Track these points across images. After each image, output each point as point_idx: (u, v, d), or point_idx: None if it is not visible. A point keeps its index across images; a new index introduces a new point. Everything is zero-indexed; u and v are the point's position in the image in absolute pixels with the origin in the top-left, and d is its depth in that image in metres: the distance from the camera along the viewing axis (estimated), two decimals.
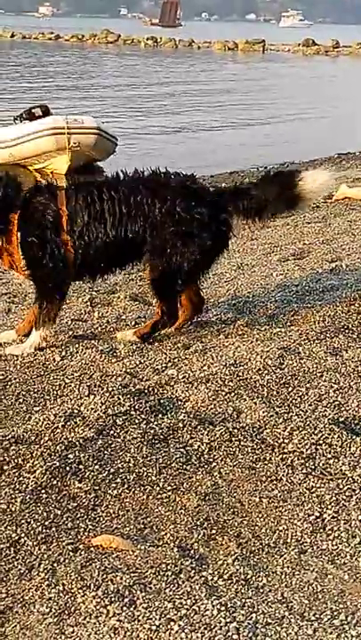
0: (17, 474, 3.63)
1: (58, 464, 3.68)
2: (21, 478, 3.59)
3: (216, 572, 3.00)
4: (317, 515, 3.40)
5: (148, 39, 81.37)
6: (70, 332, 5.45)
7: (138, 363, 4.88)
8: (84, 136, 14.91)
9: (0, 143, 15.52)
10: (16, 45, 71.43)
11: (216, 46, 79.64)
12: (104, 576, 2.94)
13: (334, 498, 3.51)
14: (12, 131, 15.58)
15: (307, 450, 3.83)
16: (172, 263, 5.11)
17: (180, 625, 2.67)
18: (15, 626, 2.73)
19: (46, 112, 15.82)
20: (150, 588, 2.88)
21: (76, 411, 4.17)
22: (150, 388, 4.47)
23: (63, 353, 5.06)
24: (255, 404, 4.25)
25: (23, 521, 3.31)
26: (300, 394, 4.40)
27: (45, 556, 3.09)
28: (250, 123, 23.72)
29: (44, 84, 34.92)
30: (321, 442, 3.88)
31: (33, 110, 15.95)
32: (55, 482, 3.58)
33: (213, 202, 5.18)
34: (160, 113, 25.04)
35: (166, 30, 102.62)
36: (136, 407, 4.23)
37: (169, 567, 3.01)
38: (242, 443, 3.91)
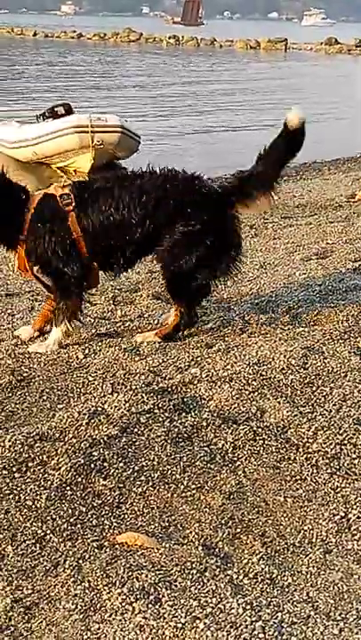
0: (42, 470, 3.64)
1: (82, 461, 3.70)
2: (46, 475, 3.61)
3: (241, 571, 3.00)
4: (342, 515, 3.40)
5: (169, 38, 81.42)
6: (93, 330, 5.46)
7: (161, 361, 4.89)
8: (108, 134, 14.95)
9: (23, 141, 15.61)
10: (39, 44, 71.64)
11: (238, 45, 79.55)
12: (129, 573, 2.95)
13: (360, 498, 3.50)
14: (36, 129, 15.66)
15: (331, 450, 3.83)
16: (182, 262, 5.11)
17: (205, 623, 2.67)
18: (41, 622, 2.74)
19: (69, 110, 15.88)
20: (175, 585, 2.89)
21: (99, 408, 4.18)
22: (174, 387, 4.48)
23: (86, 351, 5.07)
24: (279, 403, 4.25)
25: (48, 517, 3.32)
26: (325, 393, 4.39)
27: (71, 552, 3.11)
28: (275, 123, 23.63)
29: (66, 82, 34.98)
30: (346, 442, 3.88)
31: (56, 109, 16.02)
32: (80, 479, 3.59)
33: (220, 199, 5.17)
34: (184, 113, 24.96)
35: (188, 29, 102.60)
36: (160, 405, 4.23)
37: (194, 565, 3.01)
38: (266, 442, 3.91)
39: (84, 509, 3.39)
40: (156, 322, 5.60)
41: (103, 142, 14.77)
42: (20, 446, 3.79)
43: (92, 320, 5.67)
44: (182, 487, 3.57)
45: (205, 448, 3.87)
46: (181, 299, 5.29)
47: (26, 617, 2.77)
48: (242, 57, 64.66)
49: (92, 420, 4.04)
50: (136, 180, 5.11)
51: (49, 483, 3.56)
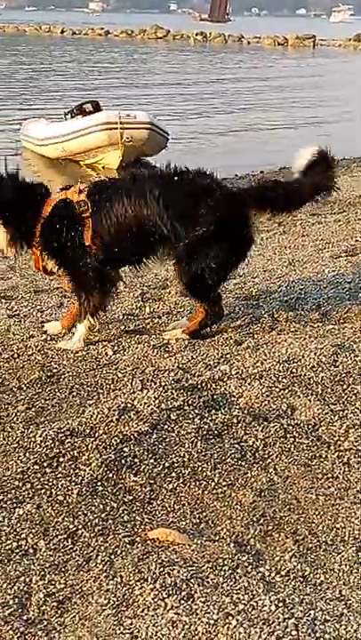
0: (73, 466, 3.66)
1: (113, 457, 3.71)
2: (77, 470, 3.63)
3: (273, 568, 3.00)
4: None
5: (197, 34, 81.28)
6: (122, 327, 5.47)
7: (190, 358, 4.89)
8: (137, 131, 14.96)
9: (52, 138, 15.66)
10: (66, 41, 71.84)
11: (266, 42, 79.32)
12: (161, 569, 2.95)
13: None
14: (65, 126, 15.70)
15: None
16: (199, 264, 5.10)
17: (238, 620, 2.67)
18: (74, 616, 2.76)
19: (97, 107, 15.91)
20: (208, 582, 2.89)
21: (129, 405, 4.19)
22: (203, 384, 4.48)
23: (115, 347, 5.09)
24: (310, 401, 4.24)
25: (80, 513, 3.34)
26: (356, 391, 4.38)
27: (103, 547, 3.12)
28: (309, 121, 23.49)
29: (93, 80, 35.04)
30: None
31: (84, 106, 16.06)
32: (111, 475, 3.60)
33: (234, 198, 5.15)
34: (213, 112, 24.85)
35: (216, 25, 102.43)
36: (190, 402, 4.24)
37: (226, 562, 3.01)
38: (297, 440, 3.91)
39: (115, 505, 3.40)
40: (184, 319, 5.59)
41: (132, 139, 14.77)
42: (50, 442, 3.81)
43: (121, 317, 5.68)
44: (213, 484, 3.58)
45: (236, 445, 3.86)
46: (200, 297, 5.30)
47: (59, 611, 2.79)
48: (270, 54, 64.42)
49: (123, 417, 4.05)
50: (151, 182, 5.10)
51: (80, 478, 3.57)
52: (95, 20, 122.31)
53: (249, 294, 6.18)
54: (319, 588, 2.91)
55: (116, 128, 14.82)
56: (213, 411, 4.17)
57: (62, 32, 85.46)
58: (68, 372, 4.75)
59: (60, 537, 3.18)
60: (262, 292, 6.23)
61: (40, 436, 3.85)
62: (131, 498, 3.46)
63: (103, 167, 15.18)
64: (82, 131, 15.14)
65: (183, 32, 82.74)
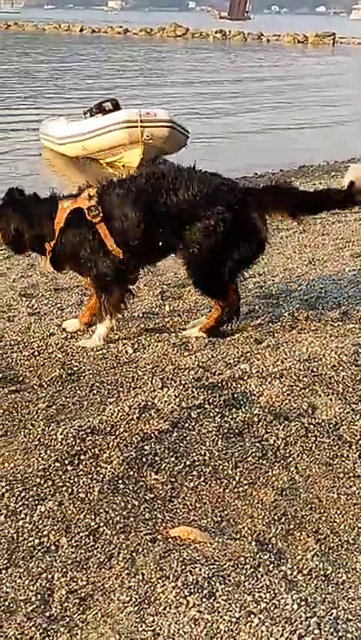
0: (94, 463, 3.67)
1: (134, 455, 3.72)
2: (98, 468, 3.64)
3: (295, 567, 3.00)
4: None
5: (216, 32, 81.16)
6: (142, 325, 5.48)
7: (210, 356, 4.89)
8: (157, 129, 14.96)
9: (72, 137, 15.69)
10: (85, 40, 71.95)
11: (285, 39, 79.10)
12: (183, 567, 2.96)
13: None
14: (85, 124, 15.73)
15: None
16: (208, 262, 5.11)
17: (260, 618, 2.67)
18: (96, 613, 2.77)
19: (116, 106, 15.94)
20: (229, 580, 2.89)
21: (150, 403, 4.20)
22: (224, 382, 4.48)
23: (135, 345, 5.10)
24: (331, 400, 4.23)
25: (101, 510, 3.35)
26: None
27: (124, 545, 3.12)
28: (330, 120, 23.37)
29: (112, 79, 35.06)
30: None
31: (103, 104, 16.08)
32: (132, 472, 3.61)
33: (243, 198, 5.14)
34: (232, 112, 24.76)
35: (235, 23, 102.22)
36: (210, 401, 4.24)
37: (247, 560, 3.02)
38: (318, 439, 3.90)
39: (136, 503, 3.41)
40: (204, 316, 5.59)
41: (152, 137, 14.78)
42: (71, 439, 3.83)
43: (141, 315, 5.69)
44: (234, 482, 3.58)
45: (257, 444, 3.87)
46: (216, 295, 5.30)
47: (81, 608, 2.80)
48: (289, 52, 64.23)
49: (143, 415, 4.06)
50: (159, 182, 5.10)
51: (101, 476, 3.58)
52: (114, 18, 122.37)
53: (269, 293, 6.18)
54: (341, 587, 2.90)
55: (137, 126, 14.83)
56: (234, 409, 4.17)
57: (81, 30, 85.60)
58: (89, 370, 4.76)
59: (81, 534, 3.19)
60: (282, 290, 6.22)
61: (61, 434, 3.87)
62: (152, 496, 3.47)
63: (123, 165, 15.19)
64: (102, 129, 15.16)
65: (202, 30, 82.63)
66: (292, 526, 3.28)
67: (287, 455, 3.79)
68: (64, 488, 3.50)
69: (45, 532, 3.20)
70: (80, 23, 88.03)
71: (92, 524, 3.26)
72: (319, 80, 38.00)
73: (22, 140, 18.24)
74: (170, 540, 3.16)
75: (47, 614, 2.77)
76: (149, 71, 39.71)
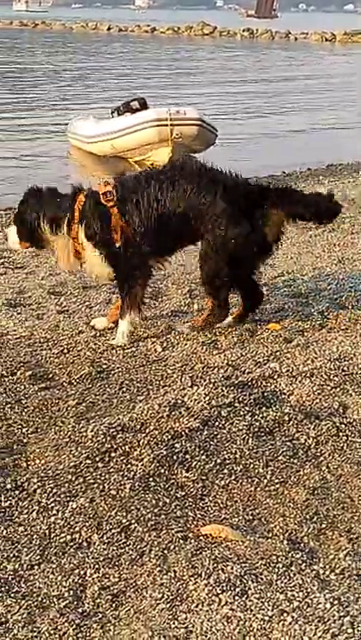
0: (125, 461, 3.68)
1: (165, 453, 3.73)
2: (129, 465, 3.65)
3: (328, 566, 2.99)
4: None
5: (243, 31, 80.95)
6: (171, 324, 5.48)
7: (239, 355, 4.89)
8: (187, 127, 14.95)
9: (101, 136, 15.71)
10: (113, 38, 72.03)
11: (313, 37, 78.74)
12: (215, 565, 2.96)
13: None
14: (114, 123, 15.74)
15: None
16: (213, 256, 5.11)
17: (293, 617, 2.67)
18: (129, 610, 2.78)
19: (144, 105, 15.92)
20: (262, 578, 2.89)
21: (179, 401, 4.20)
22: (253, 381, 4.48)
23: (164, 344, 5.10)
24: None
25: (133, 507, 3.36)
26: None
27: (156, 542, 3.13)
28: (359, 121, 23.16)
29: (140, 78, 35.05)
30: None
31: (131, 103, 16.08)
32: (163, 470, 3.62)
33: (250, 195, 5.13)
34: (267, 112, 24.58)
35: (262, 21, 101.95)
36: (240, 399, 4.24)
37: (279, 559, 3.01)
38: (350, 438, 3.89)
39: (167, 500, 3.42)
40: (233, 315, 5.58)
41: (182, 135, 14.78)
42: (102, 437, 3.84)
43: (170, 313, 5.70)
44: (265, 481, 3.58)
45: (288, 443, 3.86)
46: (212, 293, 5.31)
47: (113, 604, 2.81)
48: (317, 50, 63.88)
49: (173, 413, 4.07)
50: (174, 175, 5.11)
51: (132, 473, 3.60)
52: (141, 16, 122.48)
53: (298, 292, 6.16)
54: None
55: (166, 125, 14.83)
56: (264, 408, 4.17)
57: (109, 29, 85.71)
58: (118, 368, 4.77)
59: (113, 531, 3.20)
60: (312, 289, 6.20)
61: (91, 431, 3.89)
62: (183, 494, 3.48)
63: (152, 164, 15.20)
64: (132, 127, 15.16)
65: (230, 29, 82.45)
66: (324, 525, 3.27)
67: (318, 454, 3.79)
68: (95, 485, 3.51)
69: (77, 529, 3.22)
70: (107, 22, 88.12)
71: (124, 521, 3.27)
72: (350, 79, 37.68)
73: (52, 139, 18.30)
74: (201, 537, 3.17)
75: (80, 610, 2.78)
76: (177, 70, 39.61)
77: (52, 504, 3.37)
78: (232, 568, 2.94)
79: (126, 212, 5.06)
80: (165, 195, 5.04)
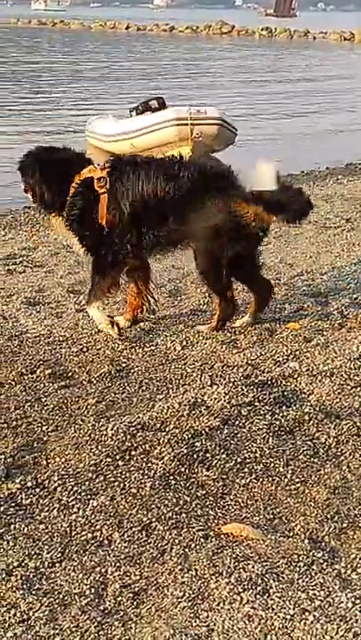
0: (145, 459, 3.69)
1: (185, 451, 3.73)
2: (150, 464, 3.65)
3: (349, 566, 2.99)
4: None
5: (262, 30, 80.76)
6: (190, 322, 5.48)
7: (259, 354, 4.88)
8: (207, 127, 14.95)
9: (121, 135, 15.72)
10: (131, 37, 72.07)
11: (332, 37, 78.45)
12: (236, 564, 2.96)
13: None
14: (134, 122, 15.73)
15: None
16: (202, 249, 5.12)
17: (314, 616, 2.67)
18: (150, 608, 2.78)
19: (162, 104, 15.92)
20: (283, 577, 2.89)
21: (199, 400, 4.20)
22: (273, 380, 4.47)
23: (184, 343, 5.10)
24: None
25: (153, 506, 3.36)
26: None
27: (177, 541, 3.14)
28: None
29: (159, 77, 35.02)
30: None
31: (149, 102, 16.08)
32: (183, 469, 3.62)
33: (230, 188, 5.07)
34: (291, 113, 24.44)
35: (281, 20, 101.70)
36: (260, 398, 4.24)
37: (301, 558, 3.01)
38: None
39: (188, 499, 3.42)
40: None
41: (202, 135, 14.77)
42: (122, 435, 3.85)
43: (189, 312, 5.70)
44: (286, 480, 3.57)
45: (308, 442, 3.85)
46: (211, 288, 5.34)
47: (135, 602, 2.81)
48: (336, 49, 63.56)
49: (193, 411, 4.07)
50: (165, 167, 5.10)
51: (152, 472, 3.60)
52: (159, 15, 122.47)
53: (318, 291, 6.15)
54: None
55: (186, 124, 14.82)
56: (284, 407, 4.16)
57: (127, 28, 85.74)
58: (137, 367, 4.78)
59: (134, 529, 3.21)
60: (331, 289, 6.19)
61: (111, 430, 3.89)
62: (203, 492, 3.48)
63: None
64: (152, 127, 15.16)
65: (248, 27, 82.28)
66: (345, 525, 3.26)
67: (339, 454, 3.78)
68: (116, 483, 3.52)
69: (98, 527, 3.23)
70: (126, 21, 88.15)
71: (145, 519, 3.27)
72: None
73: (70, 138, 18.32)
74: (222, 536, 3.17)
75: (101, 608, 2.79)
76: (196, 70, 39.49)
77: (73, 502, 3.38)
78: (253, 567, 2.94)
79: (114, 203, 5.07)
80: (153, 189, 5.03)
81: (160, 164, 5.13)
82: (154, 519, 3.27)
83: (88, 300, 5.33)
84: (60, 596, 2.85)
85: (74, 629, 2.70)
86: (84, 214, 5.16)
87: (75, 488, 3.47)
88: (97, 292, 5.27)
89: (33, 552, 3.07)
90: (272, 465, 3.68)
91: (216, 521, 3.28)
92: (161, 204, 5.04)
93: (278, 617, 2.68)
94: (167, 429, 3.92)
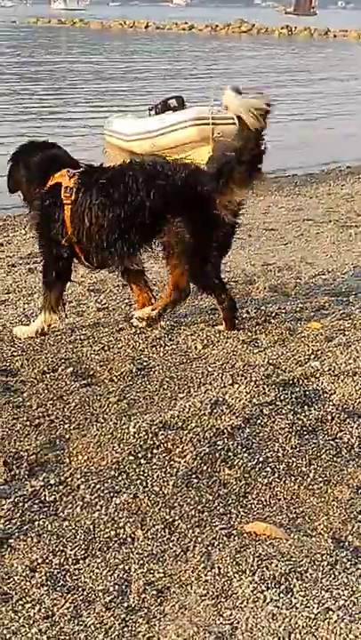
0: (167, 458, 3.70)
1: (207, 450, 3.73)
2: (172, 462, 3.66)
3: None
4: None
5: (282, 28, 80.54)
6: (211, 321, 5.49)
7: (280, 354, 4.88)
8: (229, 126, 14.94)
9: (142, 134, 15.73)
10: (150, 36, 72.05)
11: (353, 35, 78.16)
12: (259, 562, 2.97)
13: None
14: (155, 121, 15.74)
15: None
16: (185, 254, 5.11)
17: (338, 615, 2.67)
18: (174, 605, 2.79)
19: (181, 103, 15.93)
20: (306, 576, 2.89)
21: (221, 399, 4.21)
22: (295, 380, 4.47)
23: (205, 342, 5.11)
24: None
25: (176, 504, 3.37)
26: None
27: (200, 539, 3.15)
28: None
29: (179, 75, 35.01)
30: None
31: (168, 101, 16.08)
32: (205, 467, 3.63)
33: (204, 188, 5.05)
34: (316, 116, 24.33)
35: (301, 19, 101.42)
36: (282, 398, 4.24)
37: (324, 557, 3.01)
38: None
39: (210, 497, 3.43)
40: (273, 313, 5.57)
41: (223, 134, 14.77)
42: (144, 433, 3.86)
43: (209, 311, 5.70)
44: (309, 480, 3.57)
45: (331, 442, 3.85)
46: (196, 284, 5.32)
47: (158, 599, 2.83)
48: (357, 48, 63.25)
49: (215, 411, 4.07)
50: (128, 177, 5.07)
51: (175, 470, 3.61)
52: (179, 14, 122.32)
53: (338, 290, 6.14)
54: None
55: (208, 124, 14.81)
56: (306, 407, 4.16)
57: (146, 27, 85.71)
58: (158, 366, 4.79)
59: (157, 527, 3.22)
60: (352, 288, 6.18)
61: (133, 428, 3.90)
62: (226, 491, 3.48)
63: (191, 162, 15.19)
64: (173, 126, 15.16)
65: (268, 26, 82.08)
66: None
67: None
68: (138, 481, 3.53)
69: (121, 524, 3.24)
70: (145, 20, 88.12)
71: (167, 517, 3.29)
72: None
73: (89, 136, 18.38)
74: (245, 535, 3.17)
75: (125, 605, 2.80)
76: (216, 69, 39.39)
77: (96, 499, 3.40)
78: (277, 565, 2.94)
79: (76, 216, 5.08)
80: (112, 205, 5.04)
81: (130, 179, 5.08)
82: (177, 517, 3.29)
83: (40, 308, 5.34)
84: (84, 593, 2.86)
85: (98, 626, 2.71)
86: (46, 220, 5.18)
87: (97, 486, 3.48)
88: (45, 303, 5.30)
89: (57, 549, 3.09)
90: (295, 464, 3.68)
91: (239, 519, 3.29)
92: (125, 225, 5.06)
93: (302, 616, 2.68)
94: (189, 428, 3.92)
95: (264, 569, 2.93)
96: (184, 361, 4.87)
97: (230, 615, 2.72)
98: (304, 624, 2.65)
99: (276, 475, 3.60)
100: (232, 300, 5.35)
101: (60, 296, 5.30)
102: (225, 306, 5.30)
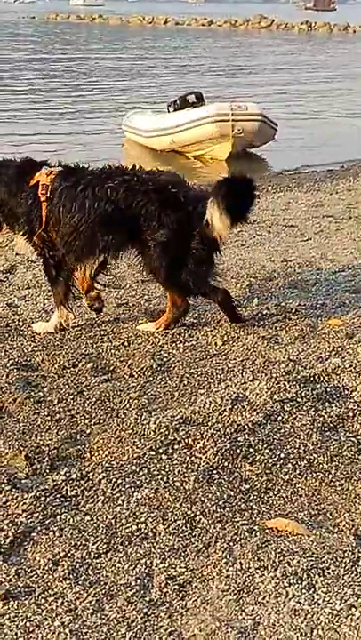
0: (188, 453, 3.70)
1: (228, 446, 3.74)
2: (193, 458, 3.67)
3: None
4: None
5: (301, 24, 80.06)
6: None
7: (300, 350, 4.88)
8: (248, 123, 14.91)
9: (161, 130, 15.70)
10: (170, 32, 71.91)
11: None
12: (281, 558, 2.97)
13: None
14: (174, 118, 15.70)
15: None
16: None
17: None
18: (196, 600, 2.80)
19: (200, 98, 15.88)
20: (328, 573, 2.90)
21: (241, 395, 4.21)
22: (316, 376, 4.46)
23: (225, 338, 5.11)
24: None
25: (197, 499, 3.38)
26: None
27: (221, 534, 3.15)
28: None
29: (198, 72, 34.92)
30: None
31: (187, 97, 16.04)
32: (226, 463, 3.64)
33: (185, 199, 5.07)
34: (332, 115, 24.16)
35: (321, 14, 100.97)
36: (302, 394, 4.23)
37: (346, 554, 3.01)
38: None
39: (231, 493, 3.43)
40: (293, 310, 5.56)
41: (243, 131, 14.72)
42: (165, 429, 3.87)
43: None
44: (330, 476, 3.57)
45: (352, 438, 3.85)
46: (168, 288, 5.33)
47: (180, 594, 2.83)
48: None
49: (235, 407, 4.08)
50: (107, 180, 5.09)
51: (196, 465, 3.62)
52: (197, 9, 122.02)
53: (359, 287, 6.12)
54: None
55: (228, 120, 14.76)
56: (327, 403, 4.16)
57: (165, 23, 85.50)
58: (178, 362, 4.79)
59: (178, 522, 3.23)
60: None
61: (154, 423, 3.91)
62: (247, 487, 3.49)
63: (211, 158, 15.17)
64: (193, 122, 15.10)
65: (288, 21, 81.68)
66: None
67: None
68: (159, 476, 3.54)
69: (142, 519, 3.25)
70: (164, 15, 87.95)
71: (189, 512, 3.29)
72: None
73: (108, 131, 18.36)
74: (267, 530, 3.18)
75: (147, 599, 2.81)
76: (236, 65, 39.21)
77: (117, 494, 3.41)
78: (298, 562, 2.95)
79: (52, 212, 5.10)
80: (89, 204, 5.04)
81: (108, 182, 5.09)
82: (198, 512, 3.29)
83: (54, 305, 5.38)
84: (107, 587, 2.88)
85: (120, 620, 2.72)
86: (29, 217, 5.20)
87: (119, 480, 3.50)
88: (56, 300, 5.35)
89: (79, 543, 3.11)
90: (316, 461, 3.68)
91: (260, 515, 3.30)
92: (98, 227, 5.07)
93: (325, 612, 2.69)
94: (210, 424, 3.93)
95: (286, 565, 2.93)
96: (204, 357, 4.87)
97: (252, 610, 2.72)
98: (326, 620, 2.65)
99: (298, 471, 3.60)
100: (224, 293, 5.33)
101: (68, 290, 5.33)
102: (219, 302, 5.32)
